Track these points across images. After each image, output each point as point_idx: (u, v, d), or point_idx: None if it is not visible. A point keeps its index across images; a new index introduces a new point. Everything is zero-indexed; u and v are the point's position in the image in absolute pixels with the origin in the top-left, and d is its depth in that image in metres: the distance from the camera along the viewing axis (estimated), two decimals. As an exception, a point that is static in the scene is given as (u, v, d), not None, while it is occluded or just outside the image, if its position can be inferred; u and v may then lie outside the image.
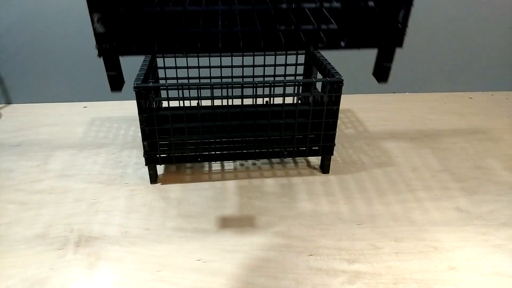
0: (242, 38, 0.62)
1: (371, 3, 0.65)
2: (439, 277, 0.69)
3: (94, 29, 0.54)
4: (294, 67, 1.10)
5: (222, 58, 1.14)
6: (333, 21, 0.65)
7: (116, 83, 0.61)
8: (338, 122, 1.22)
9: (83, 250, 0.73)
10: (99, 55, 0.57)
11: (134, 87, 0.77)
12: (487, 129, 1.19)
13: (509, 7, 1.31)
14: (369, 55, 1.52)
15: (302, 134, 0.93)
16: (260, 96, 0.87)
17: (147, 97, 0.80)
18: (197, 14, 0.70)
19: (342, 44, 0.59)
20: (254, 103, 0.85)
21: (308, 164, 1.00)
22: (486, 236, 0.77)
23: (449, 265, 0.71)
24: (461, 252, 0.74)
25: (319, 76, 1.08)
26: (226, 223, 0.80)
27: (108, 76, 0.59)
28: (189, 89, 0.86)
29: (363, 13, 0.65)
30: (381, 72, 0.65)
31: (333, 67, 0.91)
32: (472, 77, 1.44)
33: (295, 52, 1.09)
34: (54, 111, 1.26)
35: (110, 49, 0.56)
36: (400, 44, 0.60)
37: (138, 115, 0.80)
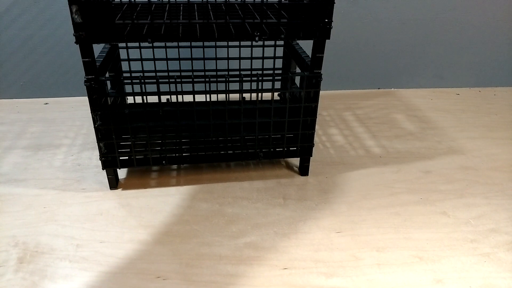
0: (199, 28, 0.71)
1: (305, 1, 0.74)
2: (425, 291, 0.62)
3: (73, 19, 0.63)
4: (272, 60, 1.02)
5: (193, 49, 1.05)
6: (272, 17, 0.78)
7: (90, 70, 0.68)
8: (319, 119, 1.15)
9: (27, 267, 0.64)
10: (76, 42, 0.65)
11: (85, 81, 0.68)
12: (475, 126, 1.14)
13: (497, 1, 1.26)
14: (352, 51, 1.44)
15: (278, 134, 0.85)
16: (233, 92, 0.79)
17: (101, 92, 0.71)
18: (162, 8, 0.81)
19: (282, 36, 0.71)
20: (226, 99, 0.77)
21: (287, 164, 0.93)
22: (474, 244, 0.71)
23: (435, 278, 0.65)
24: (448, 263, 0.67)
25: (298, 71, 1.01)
26: (192, 233, 0.72)
27: (84, 62, 0.67)
28: (152, 83, 0.77)
29: (298, 10, 0.75)
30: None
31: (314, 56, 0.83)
32: (459, 72, 1.38)
33: (272, 44, 1.01)
34: (12, 108, 1.15)
35: (86, 37, 0.65)
36: (327, 36, 0.72)
37: (91, 112, 0.71)
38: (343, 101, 1.26)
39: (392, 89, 1.37)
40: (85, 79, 0.69)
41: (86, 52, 0.67)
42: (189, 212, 0.77)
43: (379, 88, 1.37)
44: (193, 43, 0.98)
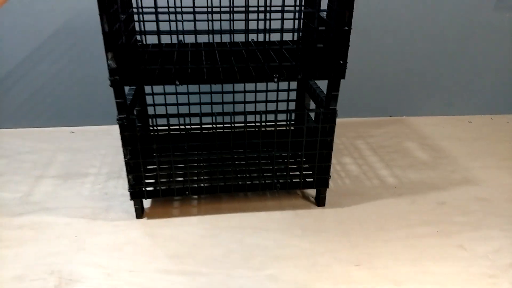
0: (222, 72, 0.76)
1: (320, 45, 0.81)
2: (443, 326, 0.64)
3: (108, 65, 0.69)
4: (286, 93, 1.07)
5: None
6: (290, 58, 0.83)
7: (122, 109, 0.74)
8: (333, 148, 1.18)
9: (61, 295, 0.68)
10: (111, 85, 0.71)
11: (117, 119, 0.74)
12: (488, 155, 1.15)
13: (506, 29, 1.30)
14: (363, 79, 1.47)
15: (295, 165, 0.89)
16: (250, 124, 0.83)
17: (131, 129, 0.76)
18: (185, 54, 0.87)
19: (299, 77, 0.76)
20: (245, 130, 0.81)
21: (303, 194, 0.96)
22: (493, 279, 0.73)
23: (453, 312, 0.66)
24: (466, 297, 0.69)
25: (312, 104, 1.05)
26: (215, 264, 0.75)
27: (117, 103, 0.74)
28: (175, 116, 0.82)
29: (314, 53, 0.82)
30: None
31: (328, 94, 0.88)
32: (471, 100, 1.41)
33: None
34: (39, 136, 1.22)
35: (119, 81, 0.71)
36: (342, 76, 0.77)
37: (122, 148, 0.76)
38: (355, 129, 1.30)
39: (404, 116, 1.40)
40: (118, 117, 0.74)
41: (119, 94, 0.72)
42: (211, 242, 0.80)
43: (390, 116, 1.40)
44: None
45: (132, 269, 0.74)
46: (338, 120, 1.37)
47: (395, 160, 1.12)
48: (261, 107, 1.21)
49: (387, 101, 1.37)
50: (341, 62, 0.75)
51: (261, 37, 1.03)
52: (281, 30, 0.74)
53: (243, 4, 0.76)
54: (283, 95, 1.15)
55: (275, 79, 0.74)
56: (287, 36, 1.07)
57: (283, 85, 1.23)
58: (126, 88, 0.88)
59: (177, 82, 0.72)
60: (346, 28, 0.73)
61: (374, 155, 1.15)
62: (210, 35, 1.03)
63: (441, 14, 1.25)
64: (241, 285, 0.70)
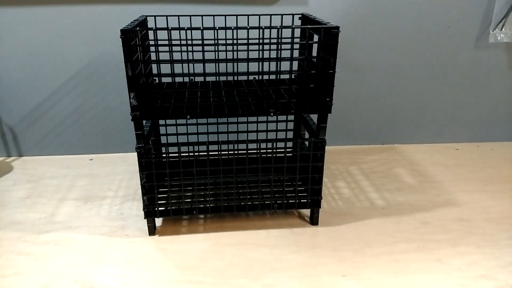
0: (227, 108, 0.89)
1: (311, 85, 0.94)
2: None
3: (130, 103, 0.83)
4: (284, 124, 1.20)
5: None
6: (285, 95, 0.97)
7: (140, 140, 0.88)
8: (329, 173, 1.29)
9: (83, 301, 0.78)
10: (132, 120, 0.84)
11: (136, 148, 0.86)
12: (472, 180, 1.25)
13: (492, 61, 1.42)
14: (358, 110, 1.61)
15: (291, 188, 1.00)
16: (252, 152, 0.95)
17: (147, 156, 0.88)
18: (195, 93, 1.00)
19: (292, 112, 0.89)
20: (246, 157, 0.93)
21: (299, 215, 1.06)
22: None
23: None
24: (441, 305, 0.77)
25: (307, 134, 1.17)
26: (219, 275, 0.85)
27: (136, 134, 0.87)
28: (186, 144, 0.94)
29: (306, 92, 0.94)
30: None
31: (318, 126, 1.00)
32: (458, 128, 1.52)
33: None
34: (62, 163, 1.35)
35: (139, 116, 0.84)
36: (329, 111, 0.90)
37: (139, 172, 0.88)
38: (349, 156, 1.41)
39: (395, 144, 1.51)
40: (136, 146, 0.86)
41: (139, 127, 0.85)
42: (216, 256, 0.90)
43: (383, 144, 1.51)
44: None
45: (145, 279, 0.83)
46: (334, 147, 1.49)
47: (385, 185, 1.22)
48: (262, 136, 1.33)
49: (380, 130, 1.49)
50: (327, 99, 0.88)
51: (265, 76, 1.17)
52: (277, 72, 0.87)
53: (245, 49, 0.89)
54: (282, 126, 1.27)
55: (272, 113, 0.87)
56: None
57: (283, 117, 1.36)
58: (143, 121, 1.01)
59: (188, 117, 0.85)
60: (331, 71, 0.86)
61: (366, 179, 1.25)
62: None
63: (429, 56, 1.38)
64: (241, 293, 0.80)
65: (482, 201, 1.13)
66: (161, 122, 1.17)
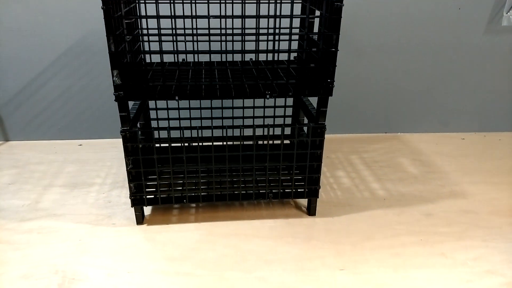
0: (219, 89, 0.83)
1: (312, 65, 0.86)
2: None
3: (113, 81, 0.76)
4: (283, 109, 1.14)
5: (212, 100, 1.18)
6: (283, 76, 0.90)
7: (125, 122, 0.81)
8: (328, 162, 1.24)
9: (64, 293, 0.73)
10: (116, 100, 0.78)
11: (121, 131, 0.80)
12: (478, 171, 1.19)
13: (499, 50, 1.35)
14: (360, 97, 1.54)
15: (288, 177, 0.94)
16: (247, 138, 0.89)
17: (133, 140, 0.83)
18: (186, 72, 0.94)
19: (290, 94, 0.82)
20: (240, 143, 0.87)
21: (296, 204, 1.01)
22: (469, 284, 0.76)
23: (432, 316, 0.70)
24: (445, 302, 0.72)
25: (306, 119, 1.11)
26: (209, 266, 0.80)
27: (121, 116, 0.80)
28: (176, 129, 0.89)
29: (306, 72, 0.87)
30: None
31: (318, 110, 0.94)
32: (464, 118, 1.46)
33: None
34: (49, 149, 1.29)
35: (124, 96, 0.78)
36: (330, 94, 0.83)
37: (125, 157, 0.83)
38: (351, 145, 1.35)
39: (399, 133, 1.45)
40: (121, 129, 0.81)
41: (123, 108, 0.79)
42: (207, 247, 0.85)
43: (385, 133, 1.45)
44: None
45: (131, 270, 0.79)
46: (334, 135, 1.43)
47: (387, 174, 1.17)
48: (259, 121, 1.27)
49: (383, 118, 1.43)
50: (328, 81, 0.81)
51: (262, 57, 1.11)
52: (273, 51, 0.80)
53: (240, 26, 0.83)
54: (280, 111, 1.21)
55: (267, 96, 0.81)
56: (284, 56, 1.15)
57: (281, 101, 1.30)
58: (131, 103, 0.95)
59: (177, 98, 0.79)
60: (333, 49, 0.79)
61: (367, 169, 1.20)
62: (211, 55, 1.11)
63: (436, 38, 1.32)
64: (232, 286, 0.75)
65: (488, 193, 1.08)
66: (152, 106, 1.11)
